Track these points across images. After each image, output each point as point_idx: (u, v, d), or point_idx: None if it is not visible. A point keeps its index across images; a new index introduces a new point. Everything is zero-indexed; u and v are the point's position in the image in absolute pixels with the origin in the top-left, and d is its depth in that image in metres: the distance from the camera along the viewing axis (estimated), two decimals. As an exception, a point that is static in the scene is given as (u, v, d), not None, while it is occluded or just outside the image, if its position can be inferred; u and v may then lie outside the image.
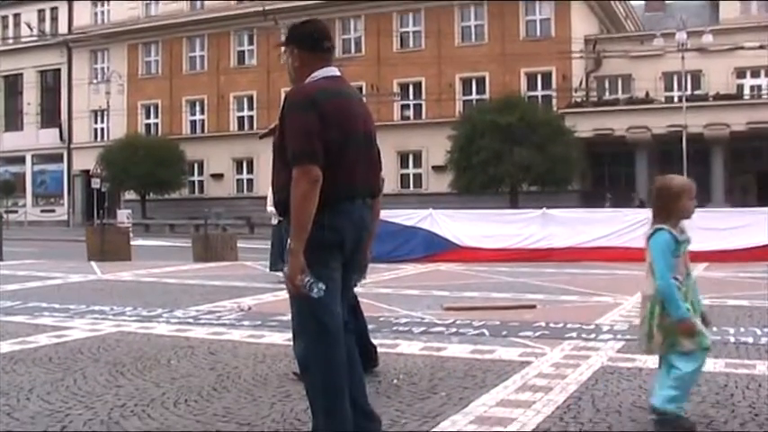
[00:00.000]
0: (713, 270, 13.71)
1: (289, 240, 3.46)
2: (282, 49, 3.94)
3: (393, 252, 15.85)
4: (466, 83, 41.58)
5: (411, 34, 42.87)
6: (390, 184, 40.97)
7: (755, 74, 38.67)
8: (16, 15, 53.53)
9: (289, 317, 7.61)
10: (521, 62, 39.46)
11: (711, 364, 5.77)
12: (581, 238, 16.32)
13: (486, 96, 39.85)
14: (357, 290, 5.24)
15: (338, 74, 3.78)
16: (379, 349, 6.39)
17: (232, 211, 40.34)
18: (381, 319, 8.09)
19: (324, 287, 3.45)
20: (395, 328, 7.52)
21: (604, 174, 41.00)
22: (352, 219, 3.65)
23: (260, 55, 45.11)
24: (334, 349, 3.57)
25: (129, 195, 45.89)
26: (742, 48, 36.07)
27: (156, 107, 48.76)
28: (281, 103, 3.69)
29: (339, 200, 3.58)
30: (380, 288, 10.89)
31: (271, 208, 12.79)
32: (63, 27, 51.92)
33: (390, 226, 16.56)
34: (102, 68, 49.92)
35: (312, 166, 3.45)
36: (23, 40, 52.51)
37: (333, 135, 3.54)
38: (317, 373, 3.58)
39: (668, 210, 4.19)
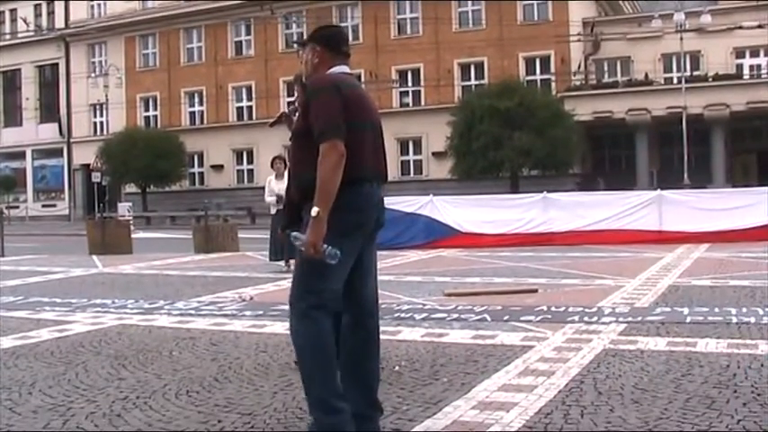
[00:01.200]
0: (714, 250, 13.72)
1: (315, 209, 3.57)
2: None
3: (394, 239, 15.85)
4: (464, 68, 41.47)
5: (408, 21, 42.72)
6: (391, 171, 40.45)
7: (755, 53, 38.52)
8: (12, 11, 53.35)
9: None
10: (519, 46, 39.33)
11: (714, 345, 5.79)
12: (582, 221, 16.31)
13: (485, 81, 39.72)
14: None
15: (350, 72, 4.05)
16: (381, 336, 6.39)
17: (233, 201, 40.34)
18: (383, 305, 8.04)
19: (339, 253, 3.60)
20: (396, 314, 7.53)
21: (605, 156, 40.97)
22: (374, 200, 3.88)
23: (257, 45, 45.04)
24: (323, 322, 3.73)
25: (130, 188, 45.81)
26: (741, 27, 35.91)
27: (155, 99, 48.64)
28: (292, 92, 3.85)
29: (362, 181, 3.78)
30: (382, 275, 10.83)
31: (270, 198, 12.80)
32: (60, 21, 51.77)
33: (391, 213, 16.46)
34: (100, 62, 49.74)
35: (339, 141, 3.64)
36: (20, 35, 52.37)
37: (354, 120, 3.76)
38: (310, 343, 3.74)
39: None
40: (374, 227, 3.94)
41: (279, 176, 12.43)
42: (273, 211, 12.76)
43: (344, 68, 4.00)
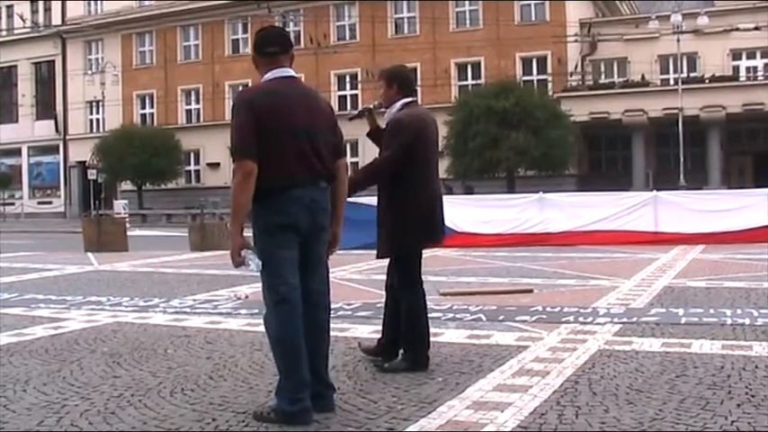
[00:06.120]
0: (710, 252, 13.74)
1: (228, 224, 3.98)
2: None
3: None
4: (461, 68, 41.46)
5: (405, 20, 42.70)
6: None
7: (751, 55, 38.55)
8: (9, 7, 53.21)
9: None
10: (516, 47, 39.32)
11: (708, 346, 5.80)
12: (578, 221, 16.31)
13: (482, 81, 39.71)
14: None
15: (289, 74, 4.28)
16: (376, 335, 6.39)
17: (228, 199, 40.12)
18: (379, 305, 8.07)
19: (261, 263, 4.02)
20: (392, 314, 7.51)
21: (601, 157, 41.01)
22: (303, 202, 4.14)
23: (254, 43, 44.95)
24: (289, 316, 4.10)
25: (126, 186, 45.76)
26: (737, 29, 35.95)
27: (152, 97, 48.60)
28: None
29: (287, 187, 4.08)
30: (377, 274, 10.87)
31: None
32: (56, 18, 51.64)
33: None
34: (97, 59, 49.65)
35: (246, 160, 4.00)
36: (17, 31, 52.26)
37: (272, 128, 4.04)
38: (276, 335, 4.15)
39: None
40: (314, 227, 4.20)
41: None
42: None
43: (280, 72, 4.23)
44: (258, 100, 4.11)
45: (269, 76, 4.23)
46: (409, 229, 5.20)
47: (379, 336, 5.66)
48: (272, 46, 4.28)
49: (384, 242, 5.27)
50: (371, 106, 5.56)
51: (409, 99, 5.37)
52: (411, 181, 5.20)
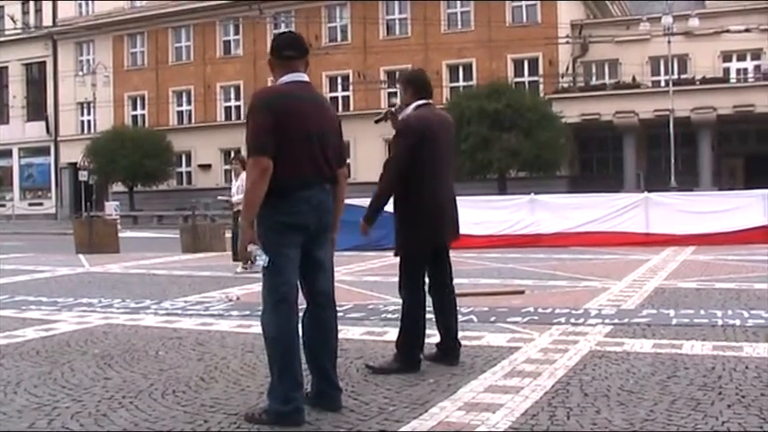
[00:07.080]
0: (700, 253, 13.78)
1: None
2: None
3: (382, 240, 15.70)
4: (453, 70, 41.49)
5: (397, 22, 42.71)
6: (378, 172, 40.85)
7: (741, 57, 38.70)
8: (0, 8, 53.12)
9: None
10: (507, 48, 39.33)
11: (699, 347, 5.81)
12: (569, 223, 16.33)
13: (473, 83, 39.75)
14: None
15: (303, 79, 4.37)
16: (367, 337, 6.43)
17: (220, 201, 40.18)
18: (370, 306, 8.10)
19: (267, 259, 4.08)
20: (383, 315, 7.54)
21: (592, 159, 41.10)
22: (312, 203, 4.23)
23: (246, 44, 44.92)
24: (287, 316, 4.16)
25: (117, 187, 45.62)
26: (728, 31, 36.07)
27: (143, 98, 48.48)
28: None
29: (298, 188, 4.18)
30: (369, 276, 10.89)
31: (238, 197, 12.92)
32: (47, 19, 51.49)
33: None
34: (88, 60, 49.54)
35: (262, 157, 4.08)
36: (7, 32, 52.10)
37: (287, 131, 4.12)
38: (273, 335, 4.18)
39: None
40: (319, 228, 4.30)
41: (236, 176, 12.88)
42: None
43: (295, 76, 4.33)
44: (276, 101, 4.21)
45: (285, 79, 4.33)
46: (414, 231, 5.35)
47: (374, 338, 5.66)
48: (289, 50, 4.36)
49: (396, 241, 5.39)
50: (393, 108, 5.73)
51: (422, 102, 5.52)
52: (417, 182, 5.34)
